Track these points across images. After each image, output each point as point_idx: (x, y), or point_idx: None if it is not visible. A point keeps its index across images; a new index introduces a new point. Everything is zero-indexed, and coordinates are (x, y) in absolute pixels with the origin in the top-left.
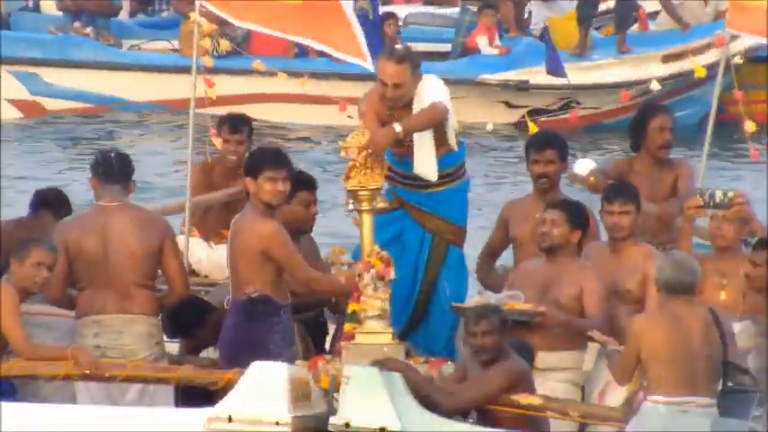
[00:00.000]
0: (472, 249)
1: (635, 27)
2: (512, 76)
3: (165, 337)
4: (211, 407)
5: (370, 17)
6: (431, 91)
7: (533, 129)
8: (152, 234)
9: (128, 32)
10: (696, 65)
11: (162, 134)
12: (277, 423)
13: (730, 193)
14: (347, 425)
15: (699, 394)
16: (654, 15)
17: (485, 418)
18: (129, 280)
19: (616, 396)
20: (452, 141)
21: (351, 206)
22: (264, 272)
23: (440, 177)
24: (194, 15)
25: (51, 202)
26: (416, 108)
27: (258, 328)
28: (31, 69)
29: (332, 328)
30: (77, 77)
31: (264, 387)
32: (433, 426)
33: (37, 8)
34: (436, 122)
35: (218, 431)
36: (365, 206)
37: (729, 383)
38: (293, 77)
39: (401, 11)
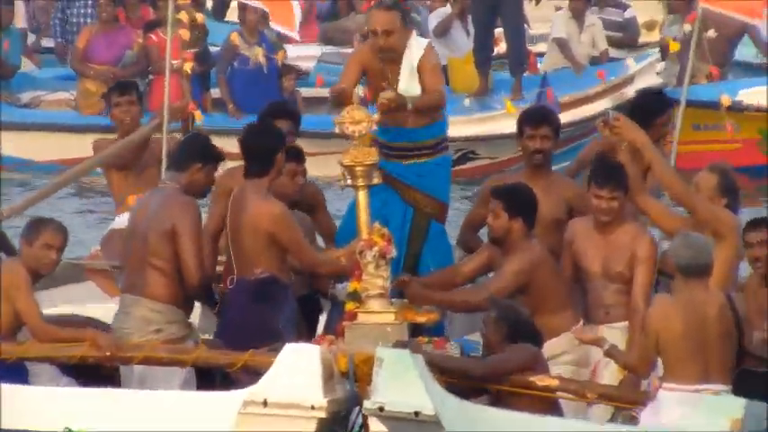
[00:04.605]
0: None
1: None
2: None
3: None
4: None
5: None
6: (428, 58)
7: (511, 109)
8: (165, 215)
9: (30, 83)
10: (671, 41)
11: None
12: (312, 407)
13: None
14: (381, 408)
15: (714, 382)
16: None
17: (500, 402)
18: (142, 260)
19: (608, 374)
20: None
21: (348, 181)
22: (271, 252)
23: (420, 149)
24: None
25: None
26: (405, 65)
27: (267, 309)
28: None
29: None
30: None
31: (298, 370)
32: (459, 409)
33: None
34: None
35: (254, 415)
36: (361, 182)
37: (744, 367)
38: None
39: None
